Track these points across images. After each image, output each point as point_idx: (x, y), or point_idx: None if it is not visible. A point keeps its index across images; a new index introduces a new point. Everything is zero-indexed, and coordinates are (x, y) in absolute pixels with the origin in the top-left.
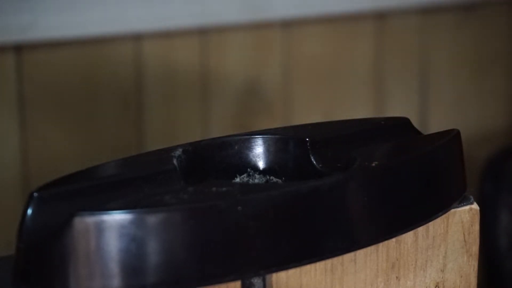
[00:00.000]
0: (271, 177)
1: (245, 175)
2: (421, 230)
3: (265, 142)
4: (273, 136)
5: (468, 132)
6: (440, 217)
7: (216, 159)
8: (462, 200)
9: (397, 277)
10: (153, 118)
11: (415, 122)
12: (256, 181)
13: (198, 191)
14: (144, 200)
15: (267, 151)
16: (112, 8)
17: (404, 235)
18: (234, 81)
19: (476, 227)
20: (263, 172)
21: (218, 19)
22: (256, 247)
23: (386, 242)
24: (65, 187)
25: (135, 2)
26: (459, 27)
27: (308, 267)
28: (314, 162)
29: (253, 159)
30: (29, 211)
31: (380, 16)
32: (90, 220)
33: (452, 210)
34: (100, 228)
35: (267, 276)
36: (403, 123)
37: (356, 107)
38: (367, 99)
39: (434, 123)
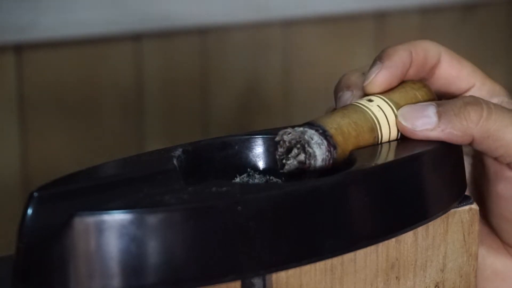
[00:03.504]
0: (271, 177)
1: (245, 175)
2: (421, 230)
3: (265, 142)
4: (273, 136)
5: None
6: (440, 217)
7: (216, 159)
8: (462, 200)
9: (397, 277)
10: (153, 118)
11: None
12: (256, 181)
13: (198, 191)
14: (144, 200)
15: (267, 151)
16: (112, 8)
17: (404, 235)
18: (234, 81)
19: (476, 227)
20: (263, 172)
21: (218, 19)
22: (256, 247)
23: (386, 242)
24: (65, 187)
25: (135, 2)
26: (459, 27)
27: (308, 267)
28: None
29: (253, 159)
30: (29, 211)
31: (380, 16)
32: (90, 220)
33: (452, 210)
34: (100, 228)
35: (267, 276)
36: None
37: None
38: None
39: None
